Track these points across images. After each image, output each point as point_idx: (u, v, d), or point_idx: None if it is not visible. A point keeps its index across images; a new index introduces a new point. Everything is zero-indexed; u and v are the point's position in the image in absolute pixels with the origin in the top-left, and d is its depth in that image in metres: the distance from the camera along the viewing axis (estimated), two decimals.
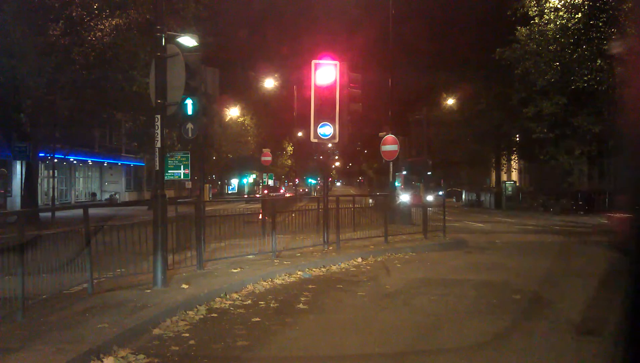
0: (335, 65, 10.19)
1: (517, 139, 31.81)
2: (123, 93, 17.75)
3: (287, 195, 48.39)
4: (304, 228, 11.46)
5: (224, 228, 9.40)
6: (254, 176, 62.38)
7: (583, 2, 18.76)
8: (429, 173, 36.50)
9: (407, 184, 32.89)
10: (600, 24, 18.61)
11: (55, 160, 22.61)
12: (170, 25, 13.45)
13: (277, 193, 54.41)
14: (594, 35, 18.78)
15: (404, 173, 34.47)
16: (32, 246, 5.64)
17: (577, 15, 18.98)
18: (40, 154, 21.12)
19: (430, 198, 32.92)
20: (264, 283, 7.54)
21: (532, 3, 20.08)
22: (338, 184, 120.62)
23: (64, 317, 5.13)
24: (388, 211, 12.72)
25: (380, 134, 17.01)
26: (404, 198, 25.28)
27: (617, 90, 16.31)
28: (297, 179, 51.00)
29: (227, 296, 6.60)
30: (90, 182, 37.11)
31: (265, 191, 49.60)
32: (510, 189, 32.24)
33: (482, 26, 26.50)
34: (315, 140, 10.28)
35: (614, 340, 1.80)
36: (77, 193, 34.63)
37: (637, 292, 1.70)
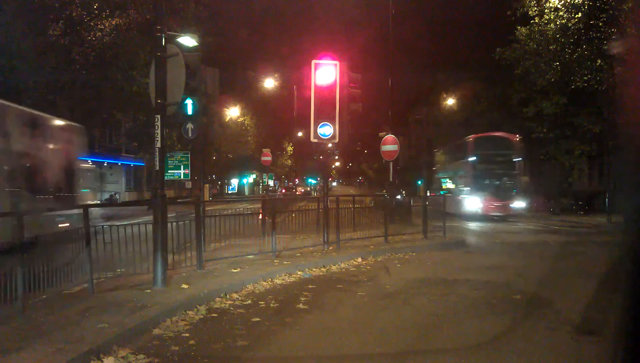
0: (335, 65, 10.19)
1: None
2: (123, 93, 17.77)
3: (297, 194, 49.18)
4: (304, 228, 11.46)
5: (224, 228, 9.39)
6: (254, 176, 62.42)
7: (583, 2, 18.75)
8: (517, 159, 21.65)
9: (477, 180, 21.16)
10: (600, 24, 18.61)
11: None
12: (170, 25, 13.47)
13: (291, 192, 55.94)
14: (594, 35, 18.78)
15: (472, 159, 21.60)
16: (32, 246, 5.64)
17: (577, 15, 18.98)
18: None
19: (519, 204, 20.88)
20: (264, 283, 7.54)
21: (532, 3, 20.08)
22: (334, 184, 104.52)
23: (64, 317, 5.12)
24: (388, 211, 12.72)
25: (380, 134, 17.01)
26: (471, 203, 19.72)
27: (617, 90, 16.30)
28: (297, 179, 51.09)
29: (227, 296, 6.60)
30: None
31: (283, 191, 50.49)
32: None
33: (482, 26, 26.55)
34: (315, 140, 10.28)
35: (614, 340, 1.80)
36: None
37: (637, 292, 1.70)
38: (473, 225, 17.14)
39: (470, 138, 22.78)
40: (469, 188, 21.44)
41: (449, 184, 26.63)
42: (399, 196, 17.12)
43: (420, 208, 13.94)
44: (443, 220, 13.49)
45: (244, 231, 9.61)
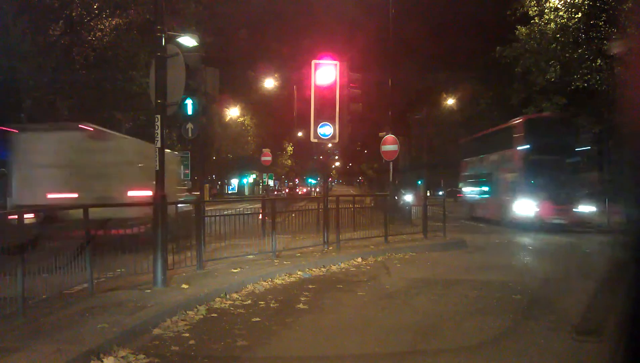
0: (335, 65, 10.19)
1: None
2: (123, 93, 17.77)
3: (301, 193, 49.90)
4: (304, 228, 11.47)
5: (224, 228, 9.40)
6: (254, 176, 62.44)
7: (583, 2, 18.74)
8: (583, 149, 17.64)
9: (531, 176, 16.23)
10: (601, 23, 18.60)
11: None
12: (170, 25, 13.47)
13: (294, 191, 57.38)
14: (594, 35, 18.77)
15: (523, 148, 16.83)
16: (32, 246, 5.63)
17: (577, 15, 18.98)
18: None
19: (587, 208, 15.88)
20: (264, 283, 7.54)
21: (532, 3, 20.07)
22: (334, 184, 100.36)
23: (64, 317, 5.12)
24: (388, 211, 12.72)
25: (380, 134, 17.00)
26: (522, 207, 15.35)
27: (617, 90, 16.26)
28: (297, 179, 51.12)
29: (227, 297, 6.60)
30: None
31: (287, 190, 51.03)
32: None
33: (482, 26, 26.54)
34: (315, 140, 10.28)
35: (614, 340, 1.80)
36: None
37: (638, 292, 1.70)
38: (533, 240, 13.53)
39: (521, 119, 17.93)
40: (518, 187, 16.57)
41: (482, 183, 21.44)
42: (401, 197, 16.92)
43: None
44: (443, 220, 13.49)
45: (244, 231, 9.62)
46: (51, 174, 9.81)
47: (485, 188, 21.01)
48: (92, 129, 10.46)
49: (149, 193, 9.67)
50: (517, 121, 18.29)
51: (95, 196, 9.05)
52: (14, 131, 11.08)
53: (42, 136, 10.40)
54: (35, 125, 11.96)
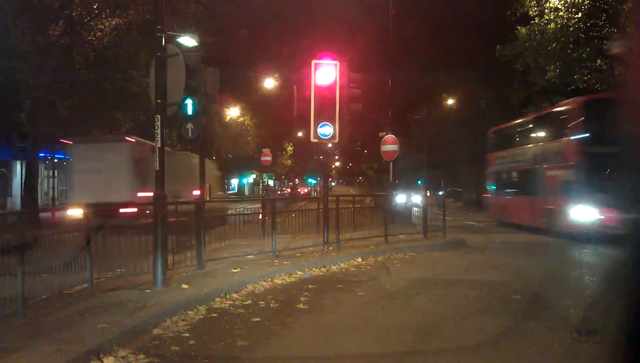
0: (335, 65, 10.19)
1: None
2: (123, 93, 17.75)
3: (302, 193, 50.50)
4: (304, 228, 11.47)
5: (224, 228, 9.41)
6: (254, 176, 62.41)
7: (583, 1, 18.74)
8: None
9: (589, 174, 12.83)
10: (601, 23, 18.60)
11: (55, 160, 22.56)
12: (170, 25, 13.46)
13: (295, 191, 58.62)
14: (594, 35, 18.77)
15: (579, 137, 13.60)
16: (32, 246, 5.64)
17: (577, 15, 18.98)
18: (40, 154, 21.09)
19: None
20: (264, 283, 7.54)
21: (532, 3, 20.05)
22: (333, 184, 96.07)
23: (64, 317, 5.13)
24: (388, 211, 12.72)
25: (380, 134, 17.03)
26: (579, 213, 12.88)
27: (617, 90, 16.13)
28: (297, 179, 51.04)
29: (227, 297, 6.60)
30: None
31: (289, 190, 51.61)
32: None
33: (481, 26, 26.49)
34: (315, 140, 10.28)
35: (614, 340, 1.80)
36: None
37: (638, 292, 1.70)
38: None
39: (577, 101, 14.39)
40: (570, 187, 13.62)
41: (518, 181, 18.22)
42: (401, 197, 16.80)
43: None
44: (443, 220, 13.48)
45: (244, 231, 9.62)
46: (109, 178, 12.21)
47: (522, 188, 17.53)
48: (134, 140, 13.20)
49: (198, 192, 12.29)
50: (572, 103, 14.60)
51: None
52: (69, 142, 13.83)
53: (95, 146, 12.89)
54: (87, 137, 14.77)
